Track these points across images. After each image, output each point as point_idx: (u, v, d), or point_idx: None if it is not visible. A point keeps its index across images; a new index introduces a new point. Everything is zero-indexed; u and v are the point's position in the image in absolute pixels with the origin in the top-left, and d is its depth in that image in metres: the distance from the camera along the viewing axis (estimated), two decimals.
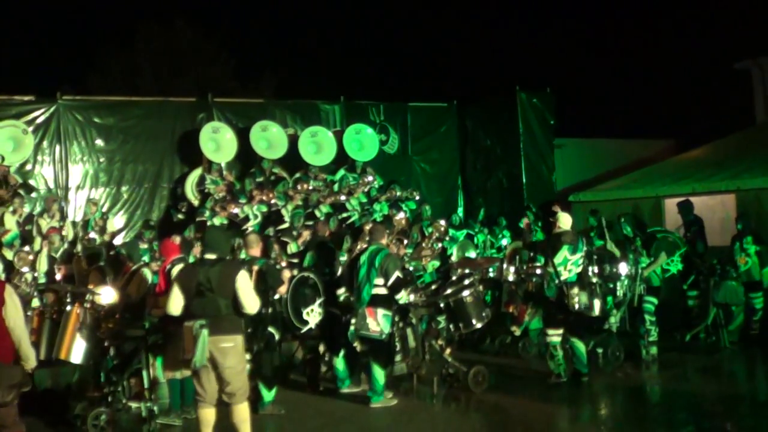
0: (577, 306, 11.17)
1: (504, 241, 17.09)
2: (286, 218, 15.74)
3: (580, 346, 11.49)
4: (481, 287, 12.19)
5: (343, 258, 12.82)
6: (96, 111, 17.13)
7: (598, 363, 12.55)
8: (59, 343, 9.35)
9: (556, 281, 11.25)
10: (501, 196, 20.03)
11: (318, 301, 11.24)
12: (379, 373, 10.61)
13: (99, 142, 16.96)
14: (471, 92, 24.67)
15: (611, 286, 12.45)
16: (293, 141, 17.60)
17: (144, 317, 10.14)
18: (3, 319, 7.12)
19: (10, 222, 13.96)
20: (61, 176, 16.53)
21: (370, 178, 17.37)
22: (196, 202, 16.28)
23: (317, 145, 17.72)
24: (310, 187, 16.53)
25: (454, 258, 14.95)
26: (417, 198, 17.76)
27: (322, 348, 11.90)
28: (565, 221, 11.49)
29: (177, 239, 12.15)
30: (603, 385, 11.62)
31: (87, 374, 10.38)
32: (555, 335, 11.41)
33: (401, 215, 15.80)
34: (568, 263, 11.20)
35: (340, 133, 18.17)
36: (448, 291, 11.49)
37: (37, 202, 15.98)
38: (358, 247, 12.68)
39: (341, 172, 17.68)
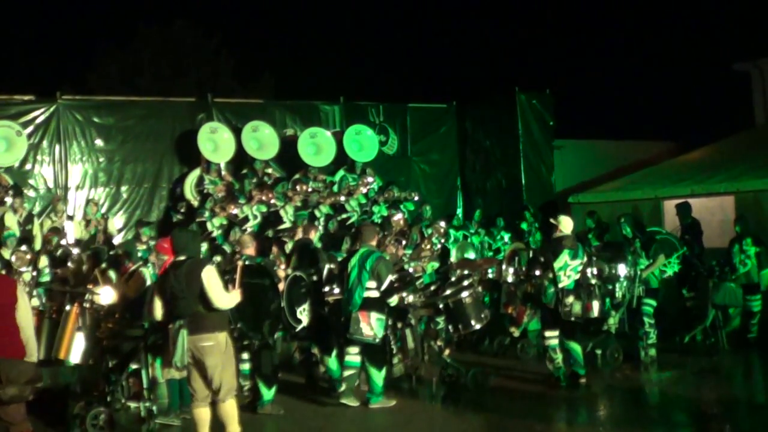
0: (570, 316, 11.17)
1: (506, 237, 17.11)
2: (285, 219, 15.74)
3: (576, 347, 11.49)
4: (480, 288, 12.20)
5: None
6: (96, 111, 17.13)
7: (597, 364, 12.57)
8: (58, 342, 9.36)
9: (552, 288, 11.24)
10: (500, 197, 20.03)
11: (309, 301, 11.19)
12: (376, 375, 10.61)
13: (98, 142, 16.95)
14: (470, 93, 24.64)
15: (610, 287, 12.44)
16: (292, 142, 17.60)
17: (143, 317, 10.15)
18: (15, 316, 7.26)
19: (11, 221, 13.96)
20: (60, 176, 16.53)
21: (370, 179, 17.37)
22: (195, 203, 16.28)
23: (316, 146, 17.72)
24: (309, 189, 16.52)
25: (453, 259, 14.95)
26: (416, 199, 17.75)
27: (315, 349, 11.90)
28: (566, 225, 11.47)
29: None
30: (601, 386, 11.63)
31: (89, 374, 10.39)
32: (552, 338, 11.41)
33: (399, 216, 15.79)
34: (568, 268, 11.18)
35: (340, 134, 18.17)
36: (447, 292, 11.51)
37: (37, 202, 15.99)
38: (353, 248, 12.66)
39: (341, 173, 17.68)
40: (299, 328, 11.21)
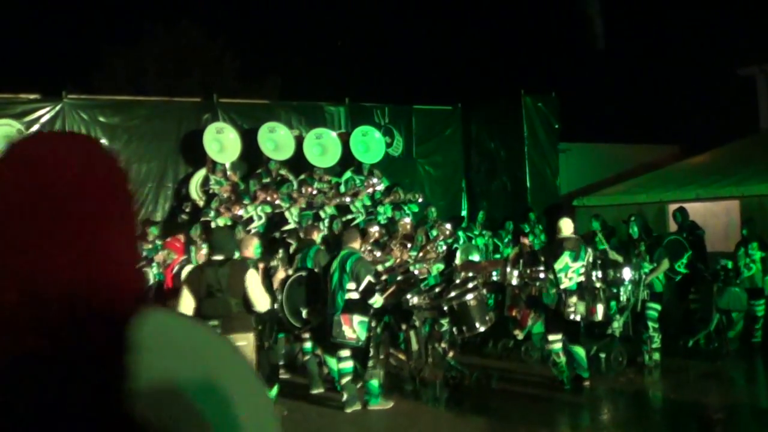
0: (573, 316, 11.16)
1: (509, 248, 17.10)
2: (290, 220, 15.73)
3: (580, 351, 11.49)
4: (484, 291, 12.20)
5: None
6: (101, 110, 17.12)
7: (601, 368, 12.55)
8: None
9: (554, 289, 11.24)
10: (504, 200, 20.01)
11: (319, 302, 11.19)
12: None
13: (104, 142, 16.90)
14: (476, 95, 24.64)
15: (615, 290, 12.44)
16: (298, 143, 17.60)
17: None
18: None
19: None
20: None
21: (375, 180, 17.35)
22: (200, 203, 16.28)
23: (322, 147, 17.70)
24: (314, 190, 16.51)
25: (457, 261, 14.94)
26: (420, 201, 17.74)
27: (319, 350, 11.90)
28: (566, 227, 11.49)
29: (181, 239, 12.18)
30: (605, 390, 11.62)
31: None
32: (556, 342, 11.41)
33: (407, 220, 15.79)
34: (569, 270, 11.18)
35: (345, 135, 18.15)
36: (452, 294, 11.50)
37: None
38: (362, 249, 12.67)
39: (348, 174, 17.67)
40: (303, 328, 11.22)
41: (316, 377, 11.85)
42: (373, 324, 11.10)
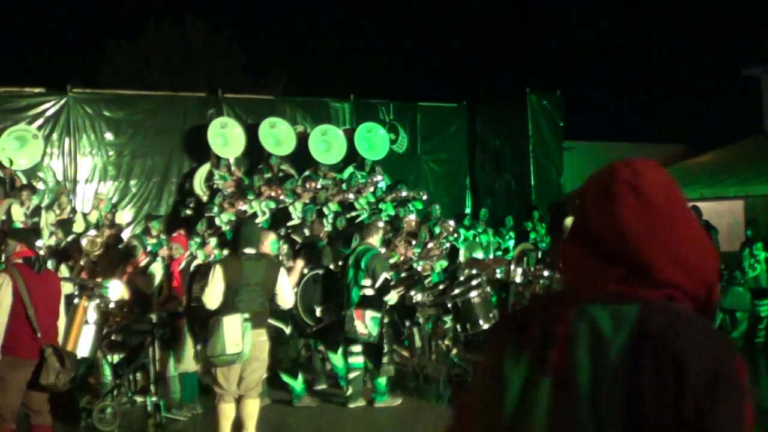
0: None
1: (510, 243, 17.10)
2: (294, 215, 15.72)
3: None
4: (488, 288, 12.17)
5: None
6: (106, 104, 17.13)
7: None
8: (66, 335, 9.34)
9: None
10: (509, 198, 20.01)
11: (333, 300, 11.18)
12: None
13: (108, 136, 16.95)
14: (481, 93, 24.62)
15: None
16: (303, 138, 17.60)
17: (152, 311, 10.16)
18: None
19: (18, 214, 13.95)
20: (69, 169, 16.53)
21: (378, 178, 17.35)
22: (204, 198, 16.28)
23: (327, 144, 17.71)
24: (319, 186, 16.51)
25: (461, 258, 14.93)
26: (424, 198, 17.72)
27: (321, 346, 11.89)
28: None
29: (183, 234, 12.18)
30: None
31: (95, 367, 10.40)
32: None
33: (412, 217, 15.79)
34: None
35: (350, 132, 18.15)
36: (456, 291, 11.46)
37: (45, 195, 15.99)
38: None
39: (349, 170, 17.66)
40: (316, 327, 11.22)
41: (320, 373, 11.84)
42: (387, 320, 11.11)
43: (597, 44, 36.19)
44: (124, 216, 16.43)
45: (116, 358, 10.48)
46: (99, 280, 10.46)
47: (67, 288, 11.26)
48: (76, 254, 12.72)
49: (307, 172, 17.14)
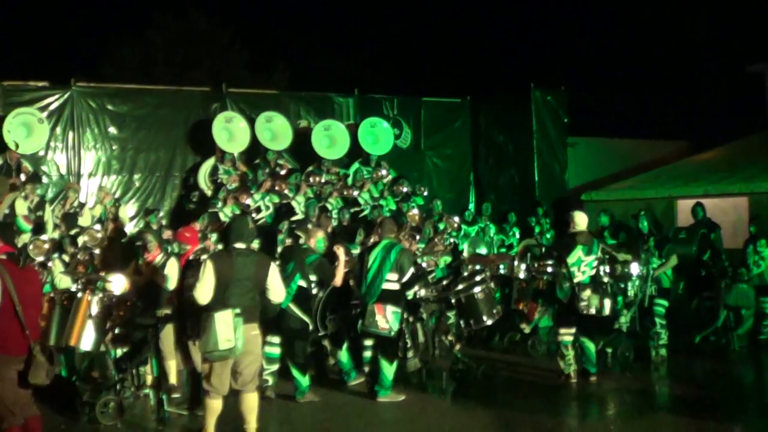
0: (587, 310, 11.12)
1: (517, 233, 17.10)
2: (297, 210, 15.70)
3: (590, 345, 11.48)
4: (492, 284, 12.16)
5: (356, 251, 12.78)
6: (110, 98, 17.09)
7: (608, 363, 12.53)
8: (69, 329, 9.35)
9: (568, 283, 11.20)
10: (512, 193, 19.97)
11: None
12: (387, 369, 10.58)
13: (112, 130, 16.92)
14: (485, 88, 24.62)
15: (622, 285, 12.41)
16: (306, 134, 17.57)
17: (160, 305, 10.15)
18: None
19: (22, 207, 13.93)
20: (73, 163, 16.50)
21: (384, 172, 17.31)
22: (209, 192, 16.25)
23: (330, 139, 17.66)
24: (323, 180, 16.48)
25: (465, 254, 14.92)
26: (425, 193, 17.68)
27: (326, 341, 11.90)
28: (580, 221, 11.42)
29: (196, 227, 12.15)
30: (611, 384, 11.59)
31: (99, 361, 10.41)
32: (567, 334, 11.37)
33: (415, 211, 15.77)
34: (582, 264, 11.14)
35: (354, 127, 18.11)
36: (459, 287, 11.47)
37: (49, 188, 15.98)
38: (371, 240, 12.61)
39: (356, 165, 17.63)
40: (321, 334, 11.25)
41: (351, 368, 11.86)
42: (406, 315, 11.13)
43: (602, 40, 36.16)
44: (128, 210, 16.42)
45: (120, 352, 10.50)
46: (102, 273, 10.44)
47: (65, 282, 11.32)
48: (73, 247, 12.67)
49: (310, 168, 17.10)
